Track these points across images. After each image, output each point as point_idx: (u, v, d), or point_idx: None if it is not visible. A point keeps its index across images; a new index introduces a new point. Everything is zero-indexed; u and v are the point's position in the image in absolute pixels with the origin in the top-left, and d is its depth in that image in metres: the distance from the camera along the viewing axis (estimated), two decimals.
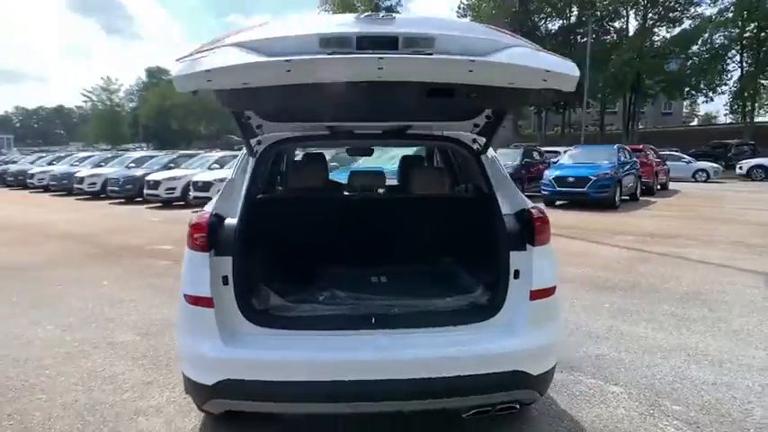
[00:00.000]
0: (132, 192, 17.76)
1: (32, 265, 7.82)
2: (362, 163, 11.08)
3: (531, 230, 2.73)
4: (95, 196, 19.21)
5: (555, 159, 19.19)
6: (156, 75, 78.77)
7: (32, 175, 23.42)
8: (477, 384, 2.54)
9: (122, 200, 18.01)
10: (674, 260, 7.92)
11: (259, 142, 3.24)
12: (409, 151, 7.04)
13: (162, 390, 3.70)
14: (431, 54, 2.10)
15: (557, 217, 13.17)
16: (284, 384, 2.51)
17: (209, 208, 2.89)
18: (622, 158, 16.34)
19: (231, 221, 2.81)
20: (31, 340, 4.70)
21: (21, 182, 24.31)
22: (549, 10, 46.57)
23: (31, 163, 27.49)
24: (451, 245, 3.93)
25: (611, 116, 51.44)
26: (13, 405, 3.50)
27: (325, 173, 4.53)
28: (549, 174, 15.91)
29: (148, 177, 17.18)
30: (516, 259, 2.72)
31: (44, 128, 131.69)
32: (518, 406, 2.78)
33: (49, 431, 3.19)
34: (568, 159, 17.07)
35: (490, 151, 3.33)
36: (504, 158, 18.25)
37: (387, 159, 10.18)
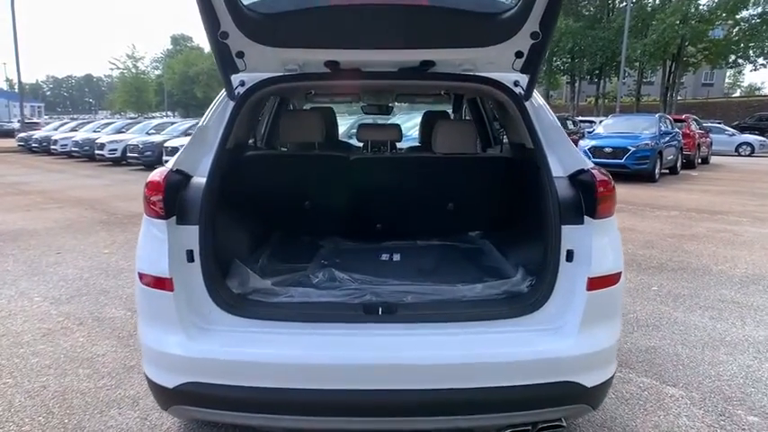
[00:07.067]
0: (152, 158, 17.23)
1: (37, 232, 7.44)
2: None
3: (591, 198, 2.06)
4: (116, 162, 19.02)
5: (590, 129, 18.20)
6: (180, 41, 78.19)
7: (56, 142, 23.19)
8: (517, 398, 1.96)
9: (142, 166, 17.62)
10: (726, 238, 7.16)
11: (242, 83, 2.55)
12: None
13: (143, 377, 3.22)
14: None
15: None
16: (261, 391, 1.95)
17: (170, 164, 2.26)
18: (663, 129, 15.25)
19: (199, 180, 2.20)
20: (13, 313, 4.28)
21: (45, 148, 24.16)
22: None
23: (55, 129, 27.37)
24: (483, 216, 3.29)
25: (647, 87, 49.27)
26: None
27: (333, 128, 3.83)
28: (585, 144, 14.88)
29: (167, 144, 16.67)
30: (570, 236, 2.08)
31: (74, 96, 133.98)
32: (564, 423, 2.16)
33: (6, 424, 2.74)
34: (604, 129, 16.06)
35: (537, 97, 2.59)
36: None
37: (411, 126, 8.73)
